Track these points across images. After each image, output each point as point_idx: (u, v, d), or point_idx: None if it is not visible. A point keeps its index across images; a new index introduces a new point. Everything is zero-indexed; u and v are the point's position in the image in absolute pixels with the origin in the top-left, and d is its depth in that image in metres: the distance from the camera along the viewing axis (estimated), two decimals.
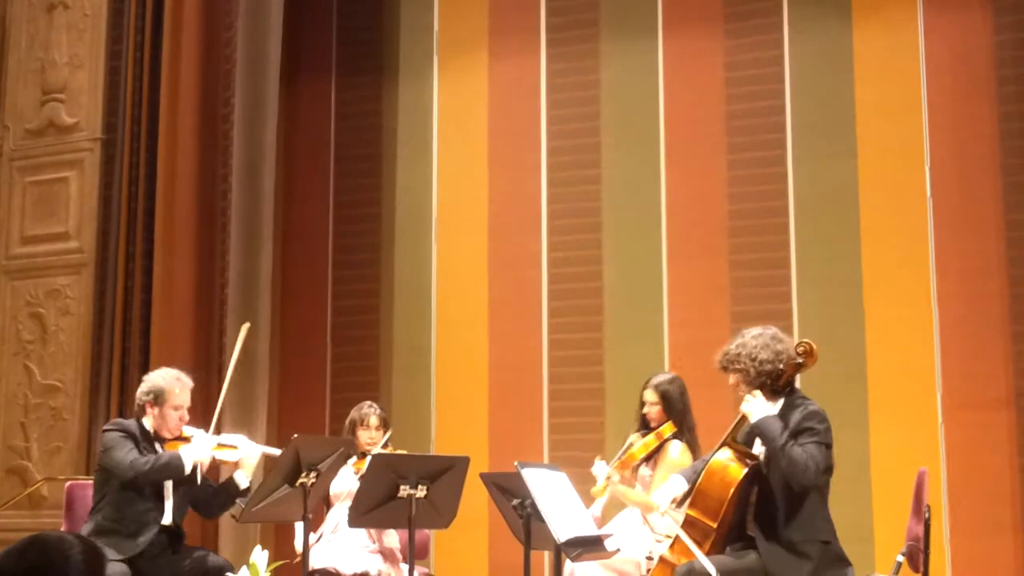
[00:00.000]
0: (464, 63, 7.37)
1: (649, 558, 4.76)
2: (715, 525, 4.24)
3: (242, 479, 4.95)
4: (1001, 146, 6.32)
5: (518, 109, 7.22)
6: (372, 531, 5.30)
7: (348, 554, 5.24)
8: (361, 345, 7.32)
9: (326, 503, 5.46)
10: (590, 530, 4.21)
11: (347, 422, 5.63)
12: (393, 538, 5.34)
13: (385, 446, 5.47)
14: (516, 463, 4.15)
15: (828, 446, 4.23)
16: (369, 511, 4.44)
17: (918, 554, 4.44)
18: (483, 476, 4.42)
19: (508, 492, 4.24)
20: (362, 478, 4.68)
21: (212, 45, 6.99)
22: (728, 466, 4.29)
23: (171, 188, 6.79)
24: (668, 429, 5.22)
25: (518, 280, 7.06)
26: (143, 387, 4.97)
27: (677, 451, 5.17)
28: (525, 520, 4.16)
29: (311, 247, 7.50)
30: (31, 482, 6.82)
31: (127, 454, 4.75)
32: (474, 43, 7.35)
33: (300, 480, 4.38)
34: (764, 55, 6.77)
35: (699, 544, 4.17)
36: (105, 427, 5.03)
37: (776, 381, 4.35)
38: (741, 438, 4.44)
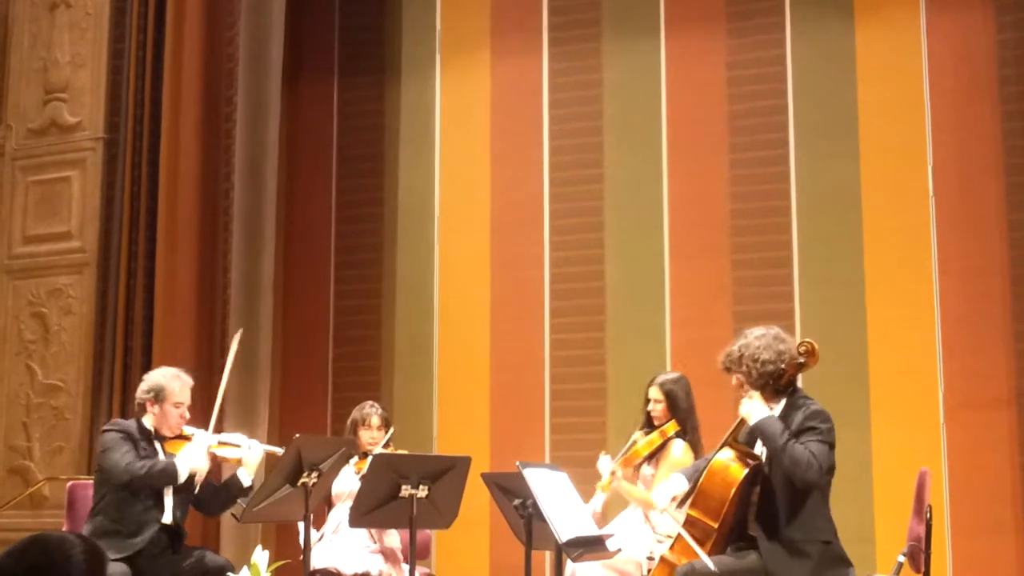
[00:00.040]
0: (466, 63, 7.37)
1: (650, 558, 4.76)
2: (716, 525, 4.24)
3: (245, 477, 4.95)
4: (1003, 146, 6.31)
5: (520, 109, 7.22)
6: (373, 531, 5.30)
7: (349, 554, 5.24)
8: (363, 345, 7.32)
9: (327, 503, 5.46)
10: (591, 530, 4.21)
11: (349, 422, 5.63)
12: (394, 538, 5.34)
13: (386, 446, 5.47)
14: (517, 463, 4.16)
15: (831, 445, 4.23)
16: (370, 511, 4.44)
17: (919, 554, 4.44)
18: (484, 476, 4.42)
19: (509, 492, 4.25)
20: (363, 478, 4.67)
21: (214, 44, 6.99)
22: (729, 466, 4.29)
23: (173, 188, 6.79)
24: (671, 428, 5.22)
25: (520, 280, 7.06)
26: (143, 385, 4.97)
27: (679, 450, 5.18)
28: (526, 520, 4.16)
29: (313, 247, 7.50)
30: (33, 482, 6.82)
31: (123, 456, 4.74)
32: (476, 43, 7.35)
33: (302, 480, 4.38)
34: (766, 55, 6.77)
35: (700, 544, 4.17)
36: (104, 427, 5.04)
37: (778, 381, 4.34)
38: (742, 438, 4.43)
